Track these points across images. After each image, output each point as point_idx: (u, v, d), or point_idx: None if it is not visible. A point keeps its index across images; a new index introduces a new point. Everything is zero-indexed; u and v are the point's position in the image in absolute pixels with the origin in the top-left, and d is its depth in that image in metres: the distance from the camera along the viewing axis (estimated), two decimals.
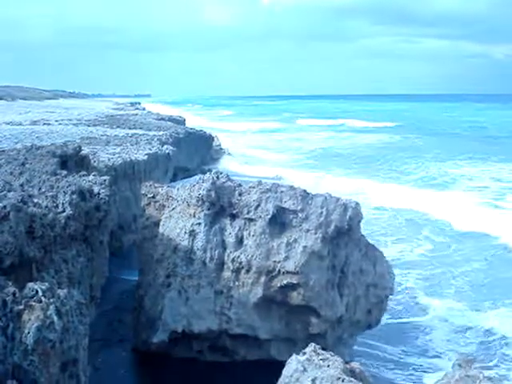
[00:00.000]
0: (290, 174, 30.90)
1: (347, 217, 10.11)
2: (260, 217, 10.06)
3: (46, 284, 5.26)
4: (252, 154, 43.01)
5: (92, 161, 14.19)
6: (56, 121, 32.47)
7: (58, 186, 8.47)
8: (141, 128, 28.81)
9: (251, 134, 64.74)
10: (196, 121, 66.38)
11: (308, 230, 9.94)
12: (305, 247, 9.85)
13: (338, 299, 10.28)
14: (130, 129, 28.08)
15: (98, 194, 9.02)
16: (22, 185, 8.51)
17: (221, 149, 39.94)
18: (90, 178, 9.96)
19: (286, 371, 5.63)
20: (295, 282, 9.90)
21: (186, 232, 10.28)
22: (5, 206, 6.39)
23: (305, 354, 5.73)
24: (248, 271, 10.03)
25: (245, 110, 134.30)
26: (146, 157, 18.13)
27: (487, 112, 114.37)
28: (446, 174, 33.93)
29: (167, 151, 20.81)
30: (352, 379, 5.34)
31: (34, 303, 4.90)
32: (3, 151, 13.65)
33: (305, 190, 10.23)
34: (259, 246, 9.99)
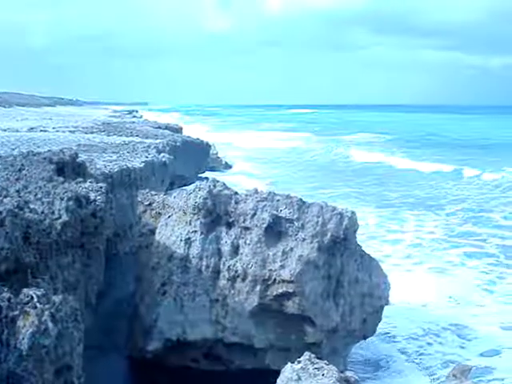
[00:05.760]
0: None
1: (343, 226, 10.12)
2: (256, 225, 10.06)
3: (42, 290, 5.27)
4: None
5: (89, 168, 14.16)
6: (53, 128, 32.41)
7: (54, 193, 8.45)
8: (137, 136, 28.78)
9: None
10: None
11: (304, 239, 9.95)
12: (300, 256, 9.85)
13: (334, 309, 10.26)
14: (126, 136, 28.05)
15: (95, 200, 9.00)
16: (18, 191, 8.47)
17: (217, 157, 39.93)
18: (87, 184, 9.94)
19: (280, 380, 5.64)
20: (291, 290, 9.89)
21: (181, 240, 10.27)
22: (1, 212, 6.38)
23: (299, 362, 5.74)
24: (244, 280, 10.02)
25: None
26: (143, 164, 18.11)
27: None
28: None
29: (164, 159, 20.81)
30: None
31: (28, 309, 4.90)
32: (0, 157, 13.63)
33: (301, 199, 10.25)
34: (255, 255, 9.99)
